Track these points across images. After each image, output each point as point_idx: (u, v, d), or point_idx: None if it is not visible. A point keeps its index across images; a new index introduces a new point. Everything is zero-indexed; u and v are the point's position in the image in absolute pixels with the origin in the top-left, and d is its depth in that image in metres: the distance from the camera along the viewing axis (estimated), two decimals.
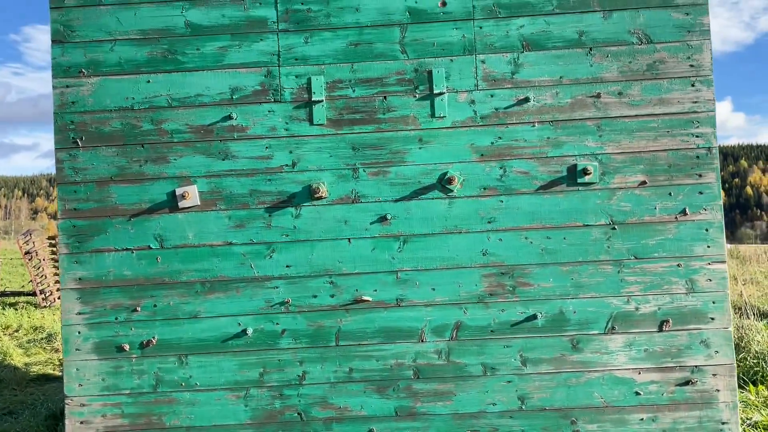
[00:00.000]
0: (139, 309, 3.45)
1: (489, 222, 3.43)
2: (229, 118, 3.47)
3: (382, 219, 3.44)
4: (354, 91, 3.48)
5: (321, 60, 3.49)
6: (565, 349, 3.41)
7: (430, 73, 3.46)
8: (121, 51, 3.48)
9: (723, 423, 3.36)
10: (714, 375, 3.37)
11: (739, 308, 6.99)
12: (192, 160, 3.48)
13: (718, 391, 3.37)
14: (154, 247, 3.46)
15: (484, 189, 3.44)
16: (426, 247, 3.44)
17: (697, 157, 3.41)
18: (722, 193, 3.47)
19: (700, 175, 3.40)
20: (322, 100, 3.46)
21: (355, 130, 3.47)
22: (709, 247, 3.39)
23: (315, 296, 3.45)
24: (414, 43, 3.47)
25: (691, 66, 3.42)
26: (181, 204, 3.47)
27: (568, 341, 3.41)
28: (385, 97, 3.47)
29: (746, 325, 5.86)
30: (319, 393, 3.44)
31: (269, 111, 3.49)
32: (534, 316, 3.40)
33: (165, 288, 3.46)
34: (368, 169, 3.46)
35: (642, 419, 3.38)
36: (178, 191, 3.46)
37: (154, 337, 3.44)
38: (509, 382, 3.41)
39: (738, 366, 4.83)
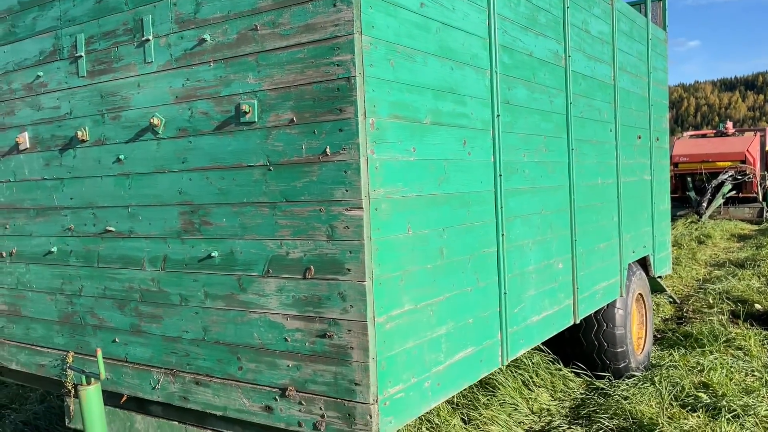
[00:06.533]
0: (8, 227, 4.57)
1: (183, 162, 3.59)
2: (39, 76, 4.25)
3: (119, 159, 3.88)
4: (100, 44, 3.91)
5: (81, 19, 3.99)
6: (234, 288, 3.45)
7: (142, 21, 3.69)
8: None
9: (356, 384, 3.05)
10: (349, 331, 3.05)
11: None
12: (25, 112, 4.37)
13: (352, 348, 3.05)
14: (12, 180, 4.51)
15: (179, 130, 3.59)
16: (146, 185, 3.78)
17: (338, 89, 2.99)
18: (364, 129, 2.98)
19: (341, 110, 2.99)
20: (82, 55, 3.99)
21: (102, 80, 3.93)
22: (347, 191, 3.01)
23: (85, 225, 4.11)
24: None
25: None
26: (20, 147, 4.42)
27: (236, 281, 3.43)
28: (117, 47, 3.83)
29: None
30: (89, 304, 4.14)
31: (57, 68, 4.15)
32: (211, 254, 3.51)
33: (17, 212, 4.50)
34: (109, 114, 3.90)
35: (289, 366, 3.26)
36: (18, 138, 4.41)
37: (14, 249, 4.54)
38: (197, 313, 3.61)
39: None
